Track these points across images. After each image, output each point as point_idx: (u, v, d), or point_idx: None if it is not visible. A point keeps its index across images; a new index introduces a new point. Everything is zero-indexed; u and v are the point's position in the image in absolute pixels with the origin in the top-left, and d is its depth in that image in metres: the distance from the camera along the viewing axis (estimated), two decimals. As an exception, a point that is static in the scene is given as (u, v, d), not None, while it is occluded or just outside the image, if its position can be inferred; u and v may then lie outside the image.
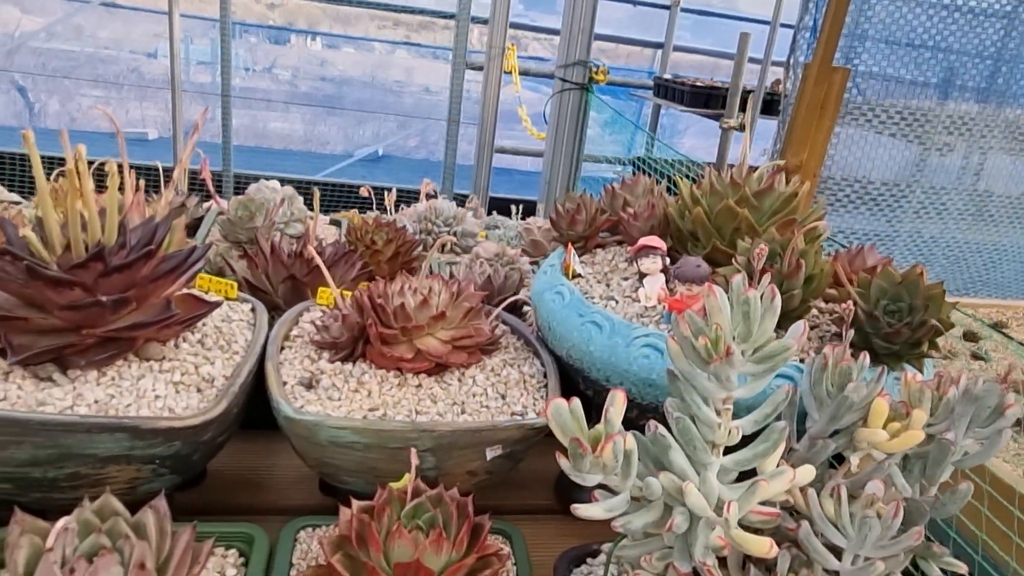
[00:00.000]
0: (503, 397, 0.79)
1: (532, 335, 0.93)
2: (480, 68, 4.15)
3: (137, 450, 0.67)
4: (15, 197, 1.57)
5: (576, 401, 0.57)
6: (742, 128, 3.71)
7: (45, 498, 0.69)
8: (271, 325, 0.86)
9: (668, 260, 0.85)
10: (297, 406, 0.73)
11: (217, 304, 0.78)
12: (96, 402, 0.68)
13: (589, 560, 0.71)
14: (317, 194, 1.15)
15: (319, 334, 0.83)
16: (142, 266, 0.72)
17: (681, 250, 0.90)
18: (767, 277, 0.60)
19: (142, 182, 0.92)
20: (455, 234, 1.63)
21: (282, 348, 0.83)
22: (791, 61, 2.38)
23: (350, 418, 0.71)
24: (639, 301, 0.84)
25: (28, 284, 0.68)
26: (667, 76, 4.19)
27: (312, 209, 1.25)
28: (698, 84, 3.91)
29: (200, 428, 0.69)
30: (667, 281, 0.85)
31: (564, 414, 0.58)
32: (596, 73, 2.57)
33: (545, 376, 0.85)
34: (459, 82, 3.86)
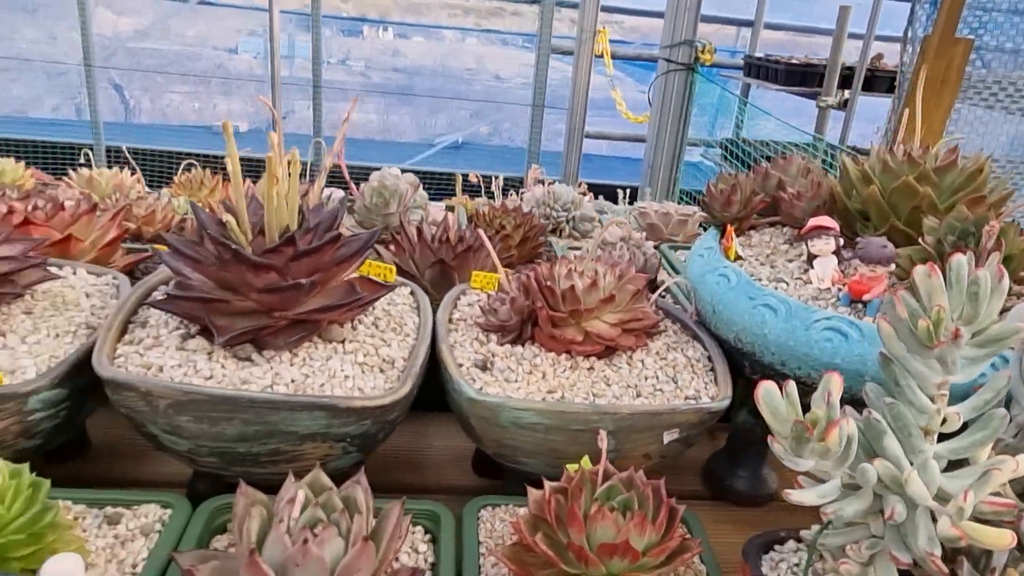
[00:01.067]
0: (674, 381, 0.79)
1: (687, 318, 0.91)
2: (563, 52, 4.12)
3: (333, 428, 0.69)
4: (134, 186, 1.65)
5: (792, 384, 0.56)
6: (841, 106, 3.56)
7: (246, 472, 0.72)
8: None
9: (841, 241, 0.82)
10: (476, 388, 0.74)
11: (392, 287, 0.80)
12: (292, 381, 0.70)
13: (776, 547, 0.69)
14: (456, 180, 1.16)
15: (484, 317, 0.84)
16: (329, 250, 0.74)
17: (848, 231, 0.87)
18: (995, 256, 0.57)
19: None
20: (573, 219, 1.62)
21: (448, 331, 0.84)
22: (909, 34, 2.26)
23: (533, 400, 0.72)
24: (811, 283, 0.81)
25: (228, 267, 0.71)
26: (759, 55, 4.07)
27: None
28: (794, 62, 3.78)
29: (389, 408, 0.71)
30: (839, 262, 0.82)
31: (776, 398, 0.56)
32: (702, 52, 2.51)
33: (710, 360, 0.83)
34: (544, 67, 3.84)
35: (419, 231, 1.08)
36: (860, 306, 0.77)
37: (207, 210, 0.78)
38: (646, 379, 0.78)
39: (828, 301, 0.79)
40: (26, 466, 0.58)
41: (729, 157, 3.79)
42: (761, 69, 3.87)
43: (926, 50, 2.24)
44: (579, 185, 2.01)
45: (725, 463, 0.94)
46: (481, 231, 0.92)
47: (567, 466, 0.70)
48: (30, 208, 1.01)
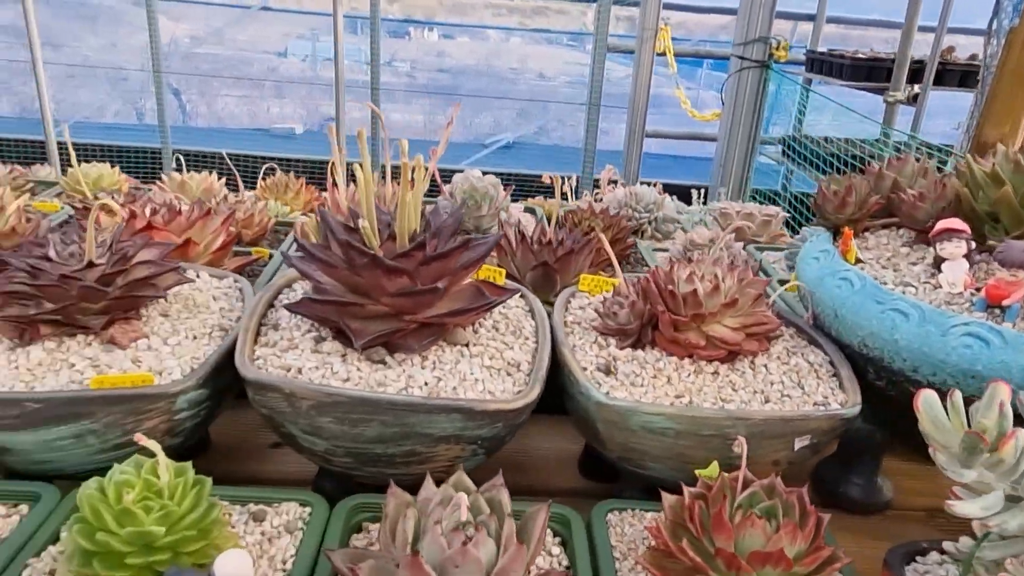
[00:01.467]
0: (800, 386, 0.77)
1: (802, 322, 0.90)
2: (617, 51, 4.09)
3: (468, 430, 0.70)
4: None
5: (957, 395, 0.54)
6: (911, 101, 3.47)
7: (379, 473, 0.74)
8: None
9: (972, 244, 0.80)
10: (604, 392, 0.74)
11: (516, 290, 0.80)
12: (426, 384, 0.71)
13: (919, 558, 0.68)
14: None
15: (602, 320, 0.84)
16: (457, 255, 0.75)
17: (975, 233, 0.85)
18: None
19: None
20: (655, 220, 1.61)
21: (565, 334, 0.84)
22: (993, 26, 2.19)
23: (663, 404, 0.72)
24: (940, 287, 0.79)
25: (362, 272, 0.73)
26: (821, 50, 3.98)
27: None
28: (859, 56, 3.69)
29: (520, 411, 0.71)
30: (969, 266, 0.80)
31: (938, 407, 0.55)
32: (776, 49, 2.47)
33: (832, 365, 0.82)
34: (600, 66, 3.83)
35: (521, 233, 1.08)
36: (997, 311, 0.75)
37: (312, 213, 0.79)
38: (772, 384, 0.77)
39: (961, 306, 0.77)
40: (189, 464, 0.60)
41: (790, 154, 3.72)
42: (824, 64, 3.78)
43: (1012, 43, 2.17)
44: (654, 185, 2.00)
45: (837, 469, 0.92)
46: (601, 235, 0.92)
47: (700, 472, 0.70)
48: (149, 212, 1.04)
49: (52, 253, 0.75)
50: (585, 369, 0.77)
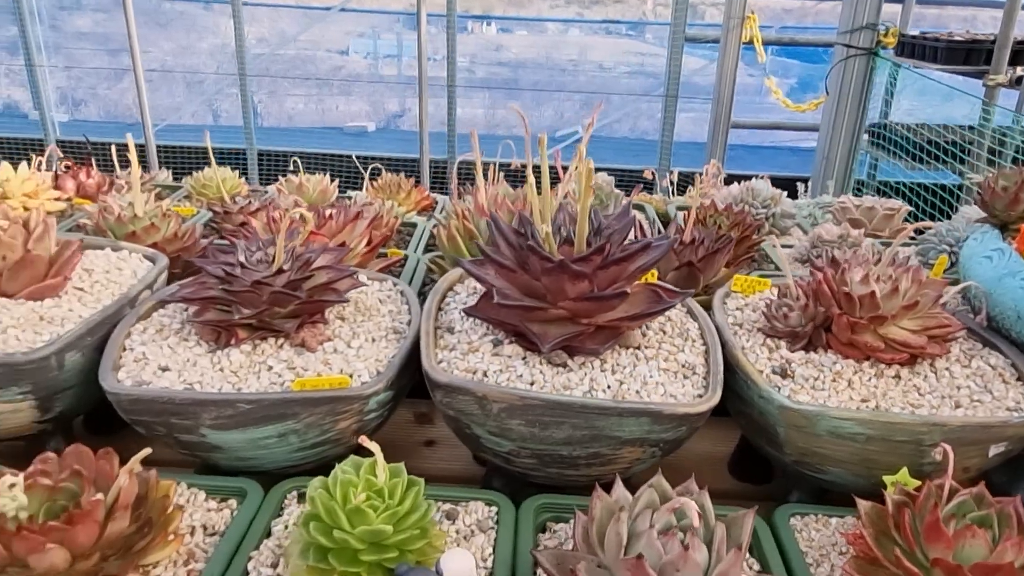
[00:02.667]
0: (988, 391, 0.75)
1: (974, 323, 0.87)
2: (696, 41, 4.02)
3: (653, 434, 0.70)
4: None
5: None
6: (1013, 84, 3.30)
7: (559, 474, 0.75)
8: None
9: None
10: (785, 395, 0.73)
11: (687, 294, 0.80)
12: (608, 387, 0.72)
13: None
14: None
15: (770, 323, 0.83)
16: (636, 258, 0.75)
17: None
18: None
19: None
20: (773, 216, 1.58)
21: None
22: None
23: (853, 410, 0.71)
24: None
25: (542, 277, 0.74)
26: (912, 32, 3.82)
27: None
28: (956, 38, 3.52)
29: (704, 415, 0.71)
30: None
31: None
32: (884, 36, 2.38)
33: (1016, 368, 0.79)
34: (677, 57, 3.77)
35: (659, 231, 1.08)
36: None
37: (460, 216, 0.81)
38: (959, 389, 0.75)
39: None
40: (402, 465, 0.62)
41: (877, 142, 3.59)
42: (917, 48, 3.63)
43: None
44: (761, 177, 1.96)
45: (1008, 474, 0.89)
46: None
47: (890, 478, 0.69)
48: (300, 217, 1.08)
49: (242, 259, 0.79)
50: (761, 372, 0.77)
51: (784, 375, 0.77)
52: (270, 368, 0.74)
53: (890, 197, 2.99)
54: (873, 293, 0.77)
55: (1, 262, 0.79)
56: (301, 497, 0.72)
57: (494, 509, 0.72)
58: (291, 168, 1.88)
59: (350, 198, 1.84)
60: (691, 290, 0.82)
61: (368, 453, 0.61)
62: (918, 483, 0.68)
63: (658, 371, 0.75)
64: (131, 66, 3.70)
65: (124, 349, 0.77)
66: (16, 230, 0.80)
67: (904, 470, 0.70)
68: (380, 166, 2.05)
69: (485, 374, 0.73)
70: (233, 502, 0.71)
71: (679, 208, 1.78)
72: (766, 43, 2.83)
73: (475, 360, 0.75)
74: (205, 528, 0.68)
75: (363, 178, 1.92)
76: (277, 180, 1.79)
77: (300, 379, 0.71)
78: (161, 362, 0.74)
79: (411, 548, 0.59)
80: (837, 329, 0.79)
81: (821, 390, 0.74)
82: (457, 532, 0.69)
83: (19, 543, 0.55)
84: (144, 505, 0.62)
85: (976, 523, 0.61)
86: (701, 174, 2.68)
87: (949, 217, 2.78)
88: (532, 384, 0.72)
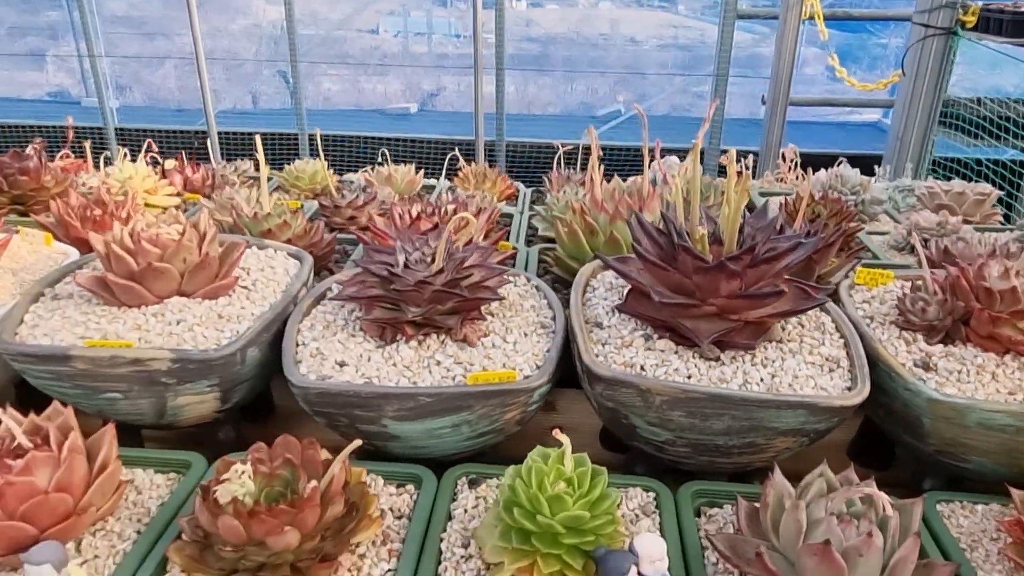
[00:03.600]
0: None
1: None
2: (753, 17, 3.97)
3: (808, 424, 0.74)
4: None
5: None
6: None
7: (710, 463, 0.80)
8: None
9: None
10: (932, 388, 0.76)
11: (830, 289, 0.83)
12: (762, 381, 0.76)
13: None
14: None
15: (905, 316, 0.86)
16: (785, 256, 0.78)
17: None
18: None
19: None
20: (862, 202, 1.59)
21: (865, 329, 0.87)
22: None
23: (1003, 402, 0.74)
24: None
25: (694, 275, 0.78)
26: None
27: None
28: (1021, 9, 3.44)
29: (855, 407, 0.75)
30: None
31: None
32: (964, 15, 2.34)
33: None
34: (729, 34, 3.73)
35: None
36: None
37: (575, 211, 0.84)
38: (1102, 380, 0.77)
39: None
40: (586, 455, 0.67)
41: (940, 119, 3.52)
42: (980, 20, 3.55)
43: None
44: (839, 163, 1.96)
45: None
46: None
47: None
48: (415, 212, 1.13)
49: (403, 260, 0.84)
50: (904, 365, 0.80)
51: (927, 368, 0.80)
52: (438, 363, 0.79)
53: (948, 176, 2.95)
54: (1015, 288, 0.79)
55: (182, 264, 0.85)
56: (471, 483, 0.77)
57: (652, 495, 0.77)
58: (339, 151, 1.93)
59: (433, 187, 1.89)
60: (829, 288, 0.85)
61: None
62: (1065, 471, 0.71)
63: (805, 364, 0.78)
64: (183, 52, 3.77)
65: (298, 345, 0.83)
66: (192, 234, 0.86)
67: (1050, 460, 0.73)
68: (458, 154, 2.09)
69: (642, 368, 0.77)
70: (411, 487, 0.77)
71: (761, 194, 1.79)
72: (829, 19, 2.79)
73: (630, 354, 0.79)
74: (392, 511, 0.73)
75: (420, 163, 1.94)
76: (331, 165, 1.81)
77: (473, 374, 0.76)
78: (337, 357, 0.79)
79: (604, 532, 0.64)
80: (976, 323, 0.81)
81: (967, 383, 0.77)
82: (623, 516, 0.73)
83: (258, 525, 0.61)
84: (349, 491, 0.68)
85: None
86: (756, 154, 2.65)
87: (1011, 195, 2.74)
88: (689, 377, 0.76)
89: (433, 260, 0.83)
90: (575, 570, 0.62)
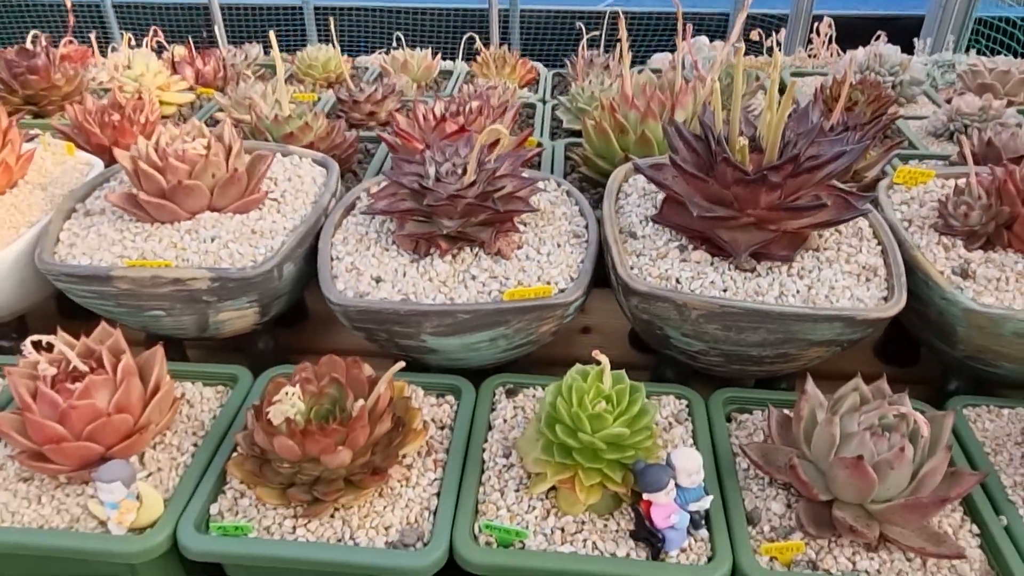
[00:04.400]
0: None
1: None
2: None
3: (844, 335, 0.75)
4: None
5: None
6: None
7: (741, 370, 0.81)
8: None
9: None
10: (969, 297, 0.76)
11: (871, 198, 0.81)
12: (798, 292, 0.76)
13: None
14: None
15: (945, 221, 0.84)
16: (827, 165, 0.76)
17: None
18: None
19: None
20: (901, 84, 1.52)
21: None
22: None
23: (1041, 312, 0.74)
24: None
25: (733, 186, 0.76)
26: None
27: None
28: None
29: (890, 319, 0.75)
30: None
31: None
32: None
33: None
34: None
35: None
36: None
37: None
38: None
39: None
40: (623, 372, 0.68)
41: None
42: None
43: None
44: (877, 38, 1.85)
45: None
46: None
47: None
48: (439, 112, 1.09)
49: (432, 172, 0.82)
50: (942, 273, 0.79)
51: (965, 275, 0.79)
52: (474, 278, 0.80)
53: (992, 46, 2.78)
54: (1063, 193, 0.77)
55: (211, 180, 0.84)
56: (508, 393, 0.80)
57: (684, 402, 0.79)
58: (347, 24, 1.85)
59: (450, 72, 1.82)
60: (871, 196, 0.83)
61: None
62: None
63: (842, 274, 0.78)
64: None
65: (333, 260, 0.83)
66: (218, 148, 0.84)
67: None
68: (475, 35, 1.99)
69: (678, 281, 0.77)
70: (450, 398, 0.80)
71: (794, 74, 1.72)
72: None
73: (665, 266, 0.79)
74: (434, 421, 0.76)
75: (433, 36, 1.86)
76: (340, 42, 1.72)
77: (509, 290, 0.76)
78: (373, 272, 0.80)
79: (643, 447, 0.66)
80: (1020, 229, 0.80)
81: (1005, 291, 0.77)
82: (656, 424, 0.76)
83: (311, 444, 0.64)
84: (393, 405, 0.70)
85: None
86: (785, 22, 2.49)
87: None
88: (725, 291, 0.76)
89: (464, 171, 0.81)
90: (615, 482, 0.65)
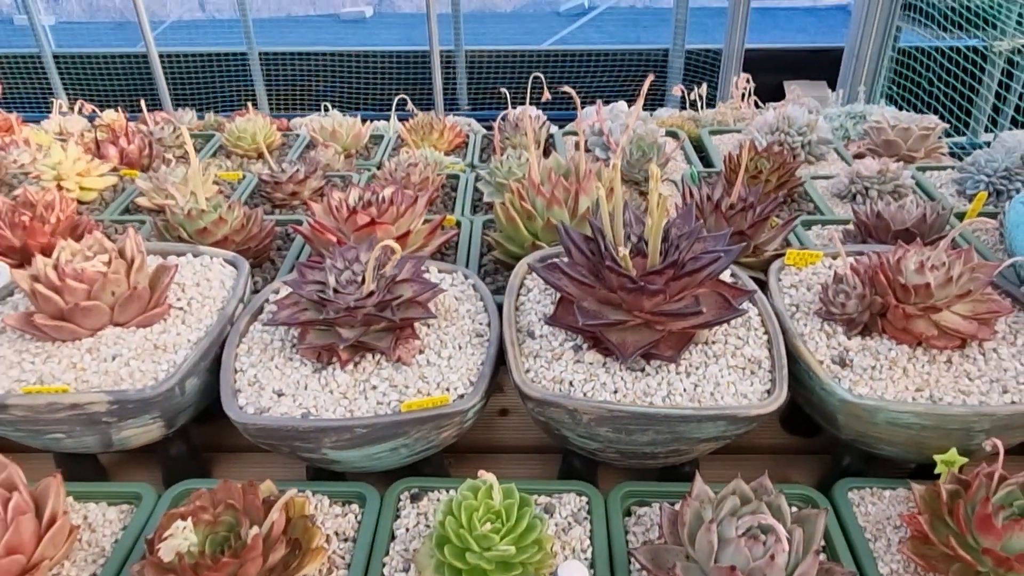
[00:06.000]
0: (1035, 372, 0.82)
1: (1019, 292, 0.92)
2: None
3: (728, 432, 0.78)
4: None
5: None
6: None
7: (639, 464, 0.84)
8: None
9: None
10: (846, 388, 0.80)
11: (751, 291, 0.85)
12: (685, 391, 0.79)
13: None
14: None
15: (826, 308, 0.89)
16: (706, 268, 0.80)
17: None
18: None
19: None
20: (808, 143, 1.59)
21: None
22: None
23: (911, 403, 0.78)
24: None
25: (619, 291, 0.79)
26: None
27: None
28: None
29: (773, 413, 0.79)
30: None
31: None
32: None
33: (1058, 343, 0.85)
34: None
35: (708, 195, 1.10)
36: None
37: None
38: (1006, 372, 0.82)
39: None
40: (513, 486, 0.70)
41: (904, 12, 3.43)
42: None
43: None
44: (791, 91, 1.93)
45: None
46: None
47: (940, 458, 0.77)
48: (352, 203, 1.11)
49: (333, 281, 0.84)
50: (822, 363, 0.83)
51: (843, 364, 0.83)
52: (374, 388, 0.81)
53: (904, 95, 2.90)
54: (928, 284, 0.82)
55: (111, 298, 0.84)
56: (413, 498, 0.82)
57: (585, 499, 0.81)
58: (290, 70, 1.88)
59: (381, 137, 1.85)
60: (753, 290, 0.87)
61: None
62: (966, 460, 0.76)
63: (728, 369, 0.82)
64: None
65: (235, 372, 0.84)
66: (119, 264, 0.85)
67: (953, 450, 0.78)
68: (405, 96, 2.03)
69: (571, 384, 0.80)
70: (355, 506, 0.81)
71: (711, 132, 1.78)
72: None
73: (559, 368, 0.81)
74: (337, 534, 0.78)
75: (374, 77, 1.90)
76: (281, 91, 1.76)
77: (407, 402, 0.78)
78: (275, 386, 0.81)
79: (531, 562, 0.68)
80: (893, 317, 0.84)
81: (879, 380, 0.81)
82: (556, 525, 0.78)
83: (202, 580, 0.64)
84: (291, 528, 0.71)
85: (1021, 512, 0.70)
86: (713, 78, 2.56)
87: (972, 88, 2.71)
88: (615, 392, 0.79)
89: (364, 281, 0.83)
90: (505, 600, 0.67)
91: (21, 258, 1.10)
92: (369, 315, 0.82)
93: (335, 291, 0.83)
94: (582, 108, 1.18)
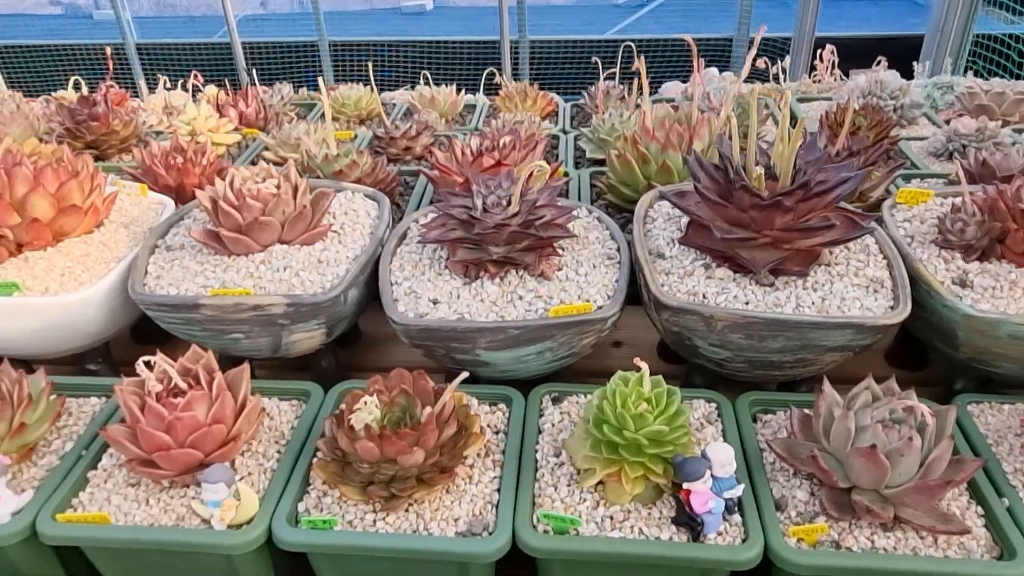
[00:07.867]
0: None
1: None
2: None
3: (855, 342, 0.83)
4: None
5: None
6: None
7: (764, 375, 0.90)
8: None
9: None
10: (967, 304, 0.84)
11: (875, 216, 0.90)
12: (813, 304, 0.84)
13: None
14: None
15: (944, 236, 0.93)
16: (835, 189, 0.85)
17: None
18: None
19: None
20: (901, 107, 1.62)
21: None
22: None
23: (1033, 316, 0.82)
24: None
25: (750, 210, 0.85)
26: None
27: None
28: None
29: (897, 325, 0.84)
30: None
31: None
32: None
33: None
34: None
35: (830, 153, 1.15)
36: None
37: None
38: (1126, 292, 0.85)
39: None
40: (660, 378, 0.77)
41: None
42: None
43: None
44: (878, 63, 1.95)
45: None
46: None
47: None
48: (475, 147, 1.19)
49: (479, 203, 0.91)
50: (943, 283, 0.88)
51: (963, 284, 0.88)
52: (521, 297, 0.89)
53: (989, 67, 2.87)
54: (1049, 209, 0.86)
55: (282, 216, 0.94)
56: (554, 400, 0.89)
57: (714, 405, 0.88)
58: (360, 59, 1.98)
59: (473, 106, 1.93)
60: (875, 215, 0.92)
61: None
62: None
63: (852, 287, 0.87)
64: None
65: (392, 284, 0.93)
66: (287, 187, 0.94)
67: (1072, 364, 0.82)
68: (494, 69, 2.11)
69: (704, 296, 0.86)
70: (503, 406, 0.89)
71: (799, 100, 1.81)
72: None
73: (692, 283, 0.88)
74: (490, 427, 0.85)
75: (441, 67, 1.97)
76: (347, 79, 1.84)
77: (554, 307, 0.86)
78: (430, 295, 0.89)
79: (680, 443, 0.75)
80: (1012, 242, 0.88)
81: (1000, 298, 0.85)
82: (689, 424, 0.85)
83: (389, 446, 0.73)
84: (456, 413, 0.79)
85: None
86: (788, 49, 2.57)
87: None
88: (747, 304, 0.85)
89: (509, 203, 0.91)
90: (656, 474, 0.73)
91: (176, 196, 1.21)
92: (515, 232, 0.90)
93: (484, 211, 0.91)
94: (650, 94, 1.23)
